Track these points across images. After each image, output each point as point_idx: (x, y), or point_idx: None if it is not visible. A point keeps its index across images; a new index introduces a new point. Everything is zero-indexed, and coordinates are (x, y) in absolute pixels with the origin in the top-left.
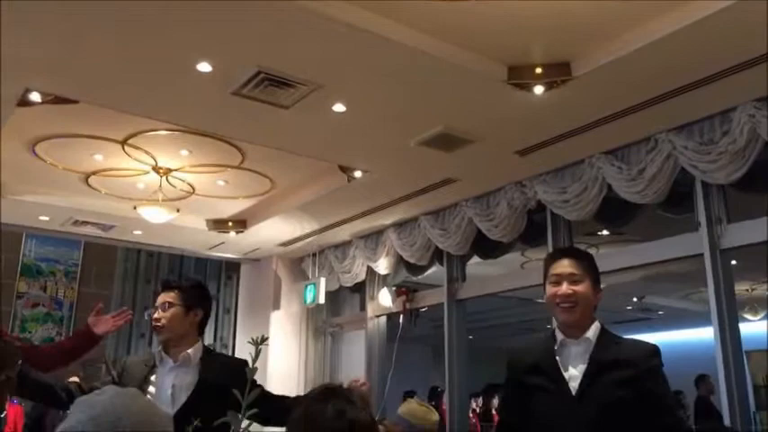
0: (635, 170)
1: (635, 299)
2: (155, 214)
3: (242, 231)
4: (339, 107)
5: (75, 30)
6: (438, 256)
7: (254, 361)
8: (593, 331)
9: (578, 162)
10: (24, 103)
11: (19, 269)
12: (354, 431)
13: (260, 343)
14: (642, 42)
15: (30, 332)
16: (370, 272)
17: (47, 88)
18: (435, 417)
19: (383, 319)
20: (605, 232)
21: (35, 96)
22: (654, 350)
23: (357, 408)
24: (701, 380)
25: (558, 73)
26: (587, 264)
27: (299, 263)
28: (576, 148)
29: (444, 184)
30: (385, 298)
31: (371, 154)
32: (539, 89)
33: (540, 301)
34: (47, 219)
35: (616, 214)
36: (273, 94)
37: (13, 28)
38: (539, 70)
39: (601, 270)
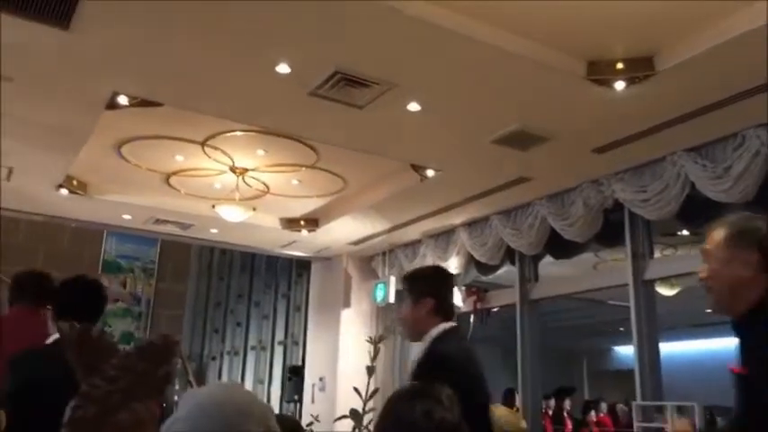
0: (720, 168)
1: None
2: (232, 213)
3: (314, 230)
4: (414, 106)
5: (161, 34)
6: (510, 255)
7: (373, 359)
8: (426, 340)
9: (659, 160)
10: (112, 106)
11: (101, 265)
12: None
13: (377, 342)
14: (729, 36)
15: (110, 326)
16: None
17: (134, 91)
18: (524, 424)
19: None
20: (685, 232)
21: (122, 99)
22: (435, 358)
23: (445, 407)
24: None
25: (640, 68)
26: (405, 285)
27: (369, 261)
28: (656, 145)
29: (518, 183)
30: (456, 298)
31: (445, 152)
32: (619, 85)
33: (611, 303)
34: (129, 217)
35: (698, 214)
36: (349, 94)
37: (103, 32)
38: (620, 65)
39: (679, 272)
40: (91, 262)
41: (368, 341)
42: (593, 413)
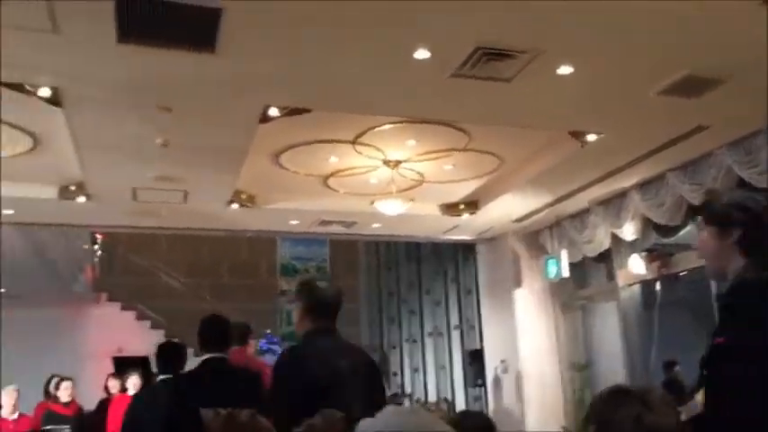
0: None
1: None
2: (391, 206)
3: (474, 212)
4: (565, 69)
5: (300, 42)
6: (692, 213)
7: None
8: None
9: None
10: (265, 119)
11: (278, 269)
12: None
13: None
14: None
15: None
16: (615, 239)
17: (283, 102)
18: None
19: (636, 288)
20: None
21: (273, 111)
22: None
23: (655, 411)
24: None
25: None
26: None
27: (536, 237)
28: None
29: (693, 134)
30: (636, 265)
31: (605, 113)
32: None
33: None
34: (297, 222)
35: None
36: (494, 69)
37: (246, 50)
38: None
39: None
40: (269, 267)
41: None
42: None
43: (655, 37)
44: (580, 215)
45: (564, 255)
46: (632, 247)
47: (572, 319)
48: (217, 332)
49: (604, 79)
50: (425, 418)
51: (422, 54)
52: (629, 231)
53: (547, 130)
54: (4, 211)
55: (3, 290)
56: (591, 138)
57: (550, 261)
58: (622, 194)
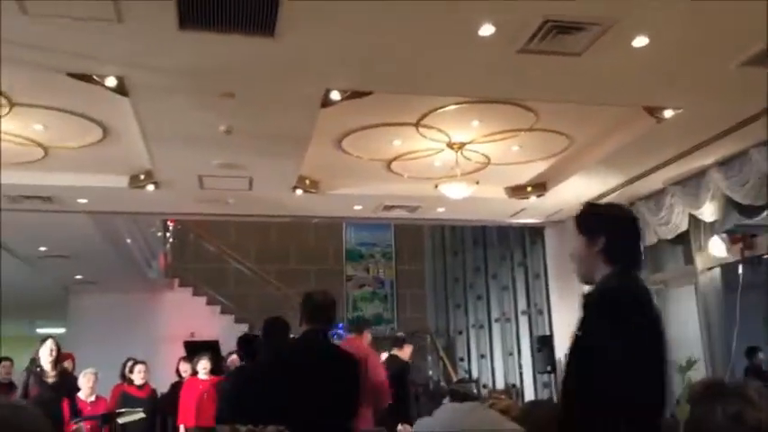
0: None
1: None
2: (456, 190)
3: (542, 195)
4: (640, 41)
5: (361, 23)
6: None
7: None
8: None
9: None
10: (326, 103)
11: (344, 255)
12: None
13: None
14: None
15: (361, 311)
16: (694, 220)
17: (344, 85)
18: None
19: (716, 271)
20: None
21: (335, 95)
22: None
23: (758, 407)
24: None
25: None
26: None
27: None
28: None
29: None
30: (717, 247)
31: (683, 87)
32: None
33: None
34: (360, 207)
35: None
36: (563, 43)
37: (306, 33)
38: None
39: None
40: (335, 253)
41: None
42: None
43: (736, 4)
44: (655, 196)
45: None
46: (712, 228)
47: None
48: (321, 307)
49: (682, 51)
50: (485, 416)
51: (487, 30)
52: (708, 212)
53: (620, 106)
54: (79, 200)
55: (80, 276)
56: (668, 113)
57: None
58: (701, 173)
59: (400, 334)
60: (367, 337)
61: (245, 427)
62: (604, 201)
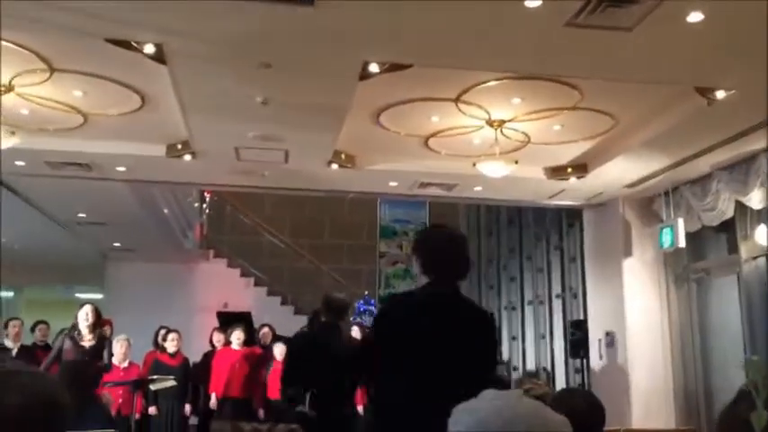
0: None
1: None
2: (494, 169)
3: (583, 176)
4: (695, 16)
5: None
6: None
7: None
8: None
9: None
10: (364, 75)
11: (378, 232)
12: None
13: None
14: None
15: (393, 287)
16: (740, 207)
17: (383, 57)
18: None
19: (762, 261)
20: None
21: (373, 67)
22: None
23: None
24: None
25: None
26: None
27: (649, 204)
28: None
29: None
30: (764, 236)
31: (738, 67)
32: None
33: None
34: (395, 184)
35: None
36: (613, 17)
37: (345, 2)
38: None
39: None
40: (370, 228)
41: None
42: None
43: None
44: (700, 181)
45: (680, 223)
46: (760, 216)
47: (685, 293)
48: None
49: (739, 28)
50: (530, 407)
51: (533, 2)
52: (756, 199)
53: (671, 84)
54: (117, 168)
55: (117, 244)
56: (720, 94)
57: (665, 230)
58: (751, 158)
59: None
60: None
61: (248, 425)
62: (646, 185)
